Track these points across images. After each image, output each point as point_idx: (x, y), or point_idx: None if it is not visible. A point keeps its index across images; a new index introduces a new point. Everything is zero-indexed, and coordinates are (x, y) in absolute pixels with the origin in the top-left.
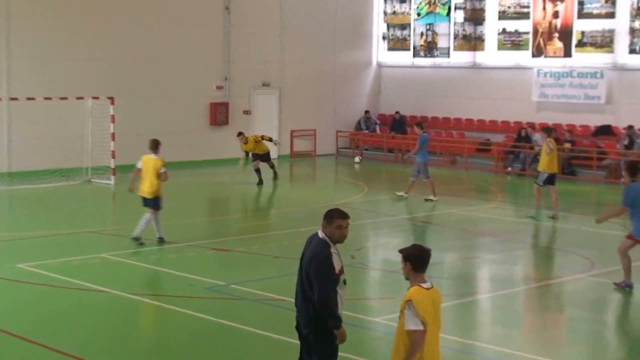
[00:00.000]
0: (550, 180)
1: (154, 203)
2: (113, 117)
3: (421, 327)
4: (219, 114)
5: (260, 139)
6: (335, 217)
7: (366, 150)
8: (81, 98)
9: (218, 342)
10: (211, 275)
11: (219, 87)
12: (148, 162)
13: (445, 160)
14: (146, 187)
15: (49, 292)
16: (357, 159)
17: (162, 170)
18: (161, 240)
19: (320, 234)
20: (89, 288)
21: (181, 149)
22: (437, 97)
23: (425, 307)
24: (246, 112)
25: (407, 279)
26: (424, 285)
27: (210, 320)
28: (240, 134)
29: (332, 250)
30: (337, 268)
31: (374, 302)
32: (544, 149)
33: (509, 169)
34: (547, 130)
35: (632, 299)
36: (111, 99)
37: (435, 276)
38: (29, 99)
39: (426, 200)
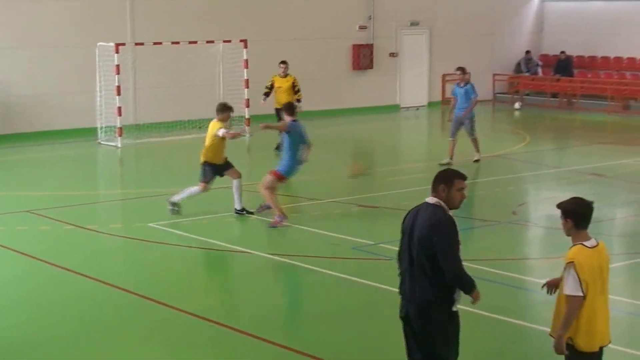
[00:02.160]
0: None
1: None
2: (246, 62)
3: (581, 293)
4: (362, 57)
5: (298, 88)
6: (456, 178)
7: (527, 95)
8: (211, 42)
9: (368, 306)
10: (358, 233)
11: (362, 28)
12: (210, 128)
13: (617, 105)
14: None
15: (184, 254)
16: (517, 105)
17: (220, 132)
18: (241, 212)
19: (433, 200)
20: (227, 248)
21: (320, 96)
22: (608, 34)
23: (589, 269)
24: (392, 55)
25: (568, 235)
26: (588, 243)
27: (359, 282)
28: (285, 62)
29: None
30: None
31: (538, 262)
32: None
33: None
34: None
35: None
36: (244, 41)
37: (606, 233)
38: (155, 43)
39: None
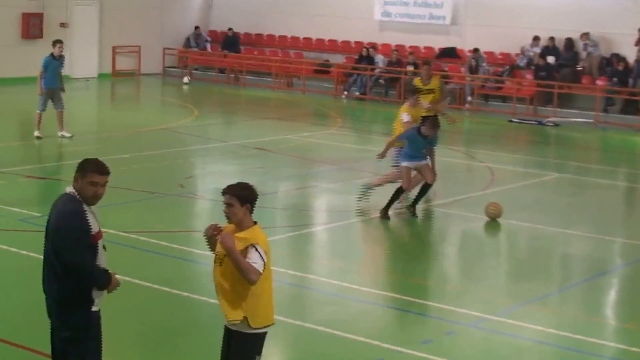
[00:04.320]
0: None
1: None
2: None
3: (261, 271)
4: (32, 26)
5: None
6: (90, 170)
7: (196, 70)
8: None
9: (34, 278)
10: (25, 205)
11: None
12: None
13: (282, 82)
14: None
15: None
16: (185, 79)
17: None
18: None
19: (69, 189)
20: None
21: None
22: (273, 13)
23: (269, 247)
24: (63, 25)
25: (238, 221)
26: (259, 225)
27: (25, 254)
28: None
29: (85, 207)
30: (94, 231)
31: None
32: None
33: (345, 93)
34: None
35: (473, 230)
36: None
37: (269, 206)
38: None
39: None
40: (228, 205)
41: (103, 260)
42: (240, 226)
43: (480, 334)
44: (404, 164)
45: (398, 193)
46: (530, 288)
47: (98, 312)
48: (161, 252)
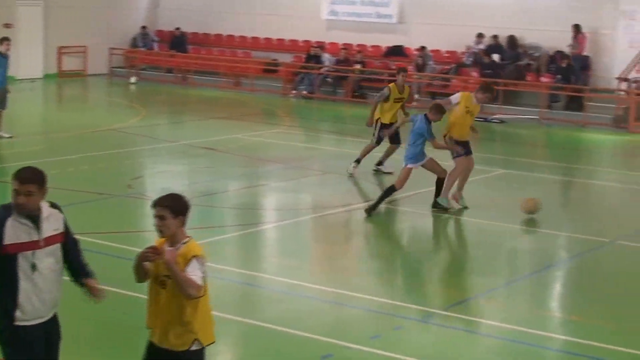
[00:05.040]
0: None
1: None
2: None
3: (202, 283)
4: None
5: None
6: (13, 177)
7: (143, 70)
8: None
9: None
10: None
11: None
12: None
13: (230, 81)
14: None
15: None
16: (133, 79)
17: None
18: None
19: None
20: None
21: None
22: (221, 12)
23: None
24: (7, 26)
25: (169, 235)
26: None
27: None
28: None
29: (15, 218)
30: (9, 240)
31: (152, 234)
32: None
33: (294, 92)
34: None
35: (422, 226)
36: None
37: (218, 206)
38: None
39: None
40: (160, 218)
41: (30, 281)
42: (174, 240)
43: (428, 329)
44: (410, 165)
45: (389, 192)
46: (477, 282)
47: (35, 325)
48: (110, 253)
